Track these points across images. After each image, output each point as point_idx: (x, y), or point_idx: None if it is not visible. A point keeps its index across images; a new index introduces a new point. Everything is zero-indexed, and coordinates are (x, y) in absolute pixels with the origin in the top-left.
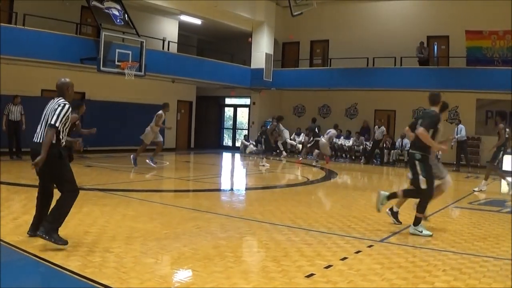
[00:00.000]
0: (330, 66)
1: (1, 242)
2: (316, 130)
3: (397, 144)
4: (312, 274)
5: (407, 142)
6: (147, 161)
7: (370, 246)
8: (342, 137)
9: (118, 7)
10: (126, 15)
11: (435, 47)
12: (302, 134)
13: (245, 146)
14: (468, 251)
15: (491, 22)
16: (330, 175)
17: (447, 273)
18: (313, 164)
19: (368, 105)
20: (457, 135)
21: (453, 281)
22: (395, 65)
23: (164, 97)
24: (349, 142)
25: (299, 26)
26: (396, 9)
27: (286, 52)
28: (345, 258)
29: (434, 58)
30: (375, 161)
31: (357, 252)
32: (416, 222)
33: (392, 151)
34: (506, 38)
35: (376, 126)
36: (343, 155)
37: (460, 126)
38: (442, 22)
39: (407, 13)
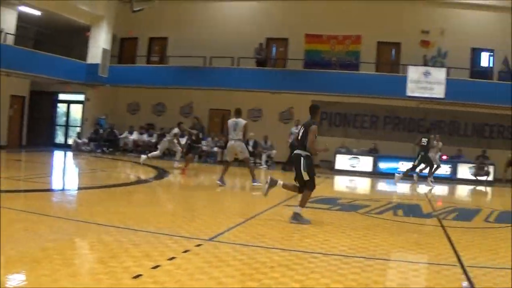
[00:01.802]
0: (168, 64)
1: None
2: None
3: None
4: (139, 275)
5: None
6: None
7: (198, 245)
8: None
9: None
10: None
11: (274, 48)
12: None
13: (77, 144)
14: (297, 248)
15: (331, 26)
16: (162, 174)
17: (275, 270)
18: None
19: (204, 104)
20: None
21: (280, 278)
22: (232, 65)
23: None
24: (183, 141)
25: (139, 22)
26: (237, 10)
27: (124, 48)
28: (173, 258)
29: (272, 59)
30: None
31: (185, 251)
32: (297, 216)
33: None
34: (345, 43)
35: None
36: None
37: (299, 127)
38: (282, 25)
39: (248, 15)
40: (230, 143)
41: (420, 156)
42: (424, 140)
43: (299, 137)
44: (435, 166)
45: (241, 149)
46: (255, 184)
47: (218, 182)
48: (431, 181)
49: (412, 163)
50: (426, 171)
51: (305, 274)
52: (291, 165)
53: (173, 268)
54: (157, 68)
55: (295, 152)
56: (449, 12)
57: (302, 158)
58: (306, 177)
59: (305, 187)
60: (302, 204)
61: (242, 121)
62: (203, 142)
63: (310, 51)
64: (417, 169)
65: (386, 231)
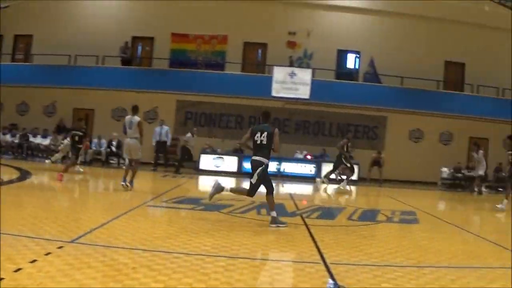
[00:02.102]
0: (32, 62)
1: None
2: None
3: (94, 144)
4: (1, 279)
5: (104, 142)
6: None
7: (60, 247)
8: (39, 136)
9: None
10: None
11: (139, 47)
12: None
13: None
14: (159, 248)
15: (197, 26)
16: (25, 175)
17: (137, 270)
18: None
19: (68, 104)
20: (159, 136)
21: (142, 278)
22: (97, 63)
23: None
24: (46, 141)
25: (4, 19)
26: (102, 8)
27: None
28: (34, 261)
29: (137, 58)
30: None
31: (47, 254)
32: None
33: (89, 150)
34: (211, 43)
35: None
36: (39, 154)
37: (165, 127)
38: (148, 24)
39: (113, 13)
40: (126, 141)
41: (341, 158)
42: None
43: (263, 143)
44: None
45: (135, 149)
46: (123, 184)
47: (122, 183)
48: (324, 181)
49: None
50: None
51: (167, 275)
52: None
53: (35, 271)
54: (21, 66)
55: (257, 158)
56: (315, 14)
57: (264, 166)
58: (254, 180)
59: (251, 191)
60: (272, 207)
61: (137, 119)
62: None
63: (176, 51)
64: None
65: (250, 230)
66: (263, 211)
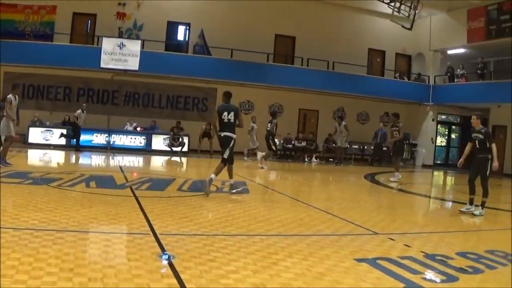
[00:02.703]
0: None
1: None
2: None
3: None
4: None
5: None
6: None
7: None
8: None
9: None
10: None
11: None
12: None
13: None
14: None
15: None
16: None
17: None
18: None
19: None
20: None
21: None
22: None
23: None
24: None
25: None
26: None
27: None
28: None
29: None
30: None
31: None
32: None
33: None
34: (40, 13)
35: None
36: None
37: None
38: None
39: None
40: None
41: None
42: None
43: (230, 120)
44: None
45: (2, 127)
46: None
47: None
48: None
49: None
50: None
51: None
52: None
53: None
54: None
55: (227, 134)
56: None
57: (233, 140)
58: (226, 155)
59: (226, 161)
60: (232, 176)
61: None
62: None
63: (4, 21)
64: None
65: (78, 203)
66: (92, 183)
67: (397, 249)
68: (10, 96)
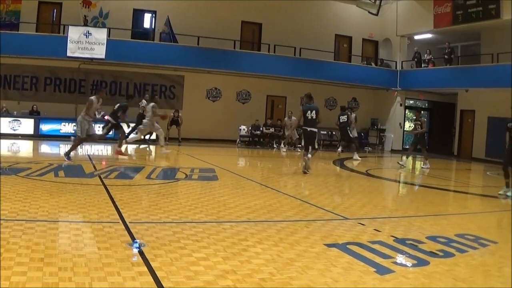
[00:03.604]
0: None
1: None
2: None
3: None
4: None
5: None
6: None
7: None
8: None
9: None
10: None
11: None
12: None
13: None
14: None
15: None
16: None
17: None
18: None
19: None
20: None
21: None
22: None
23: None
24: None
25: None
26: None
27: None
28: None
29: None
30: None
31: None
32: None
33: None
34: (6, 2)
35: None
36: None
37: None
38: None
39: None
40: None
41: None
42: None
43: (313, 118)
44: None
45: (81, 126)
46: None
47: None
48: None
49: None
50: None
51: None
52: None
53: None
54: None
55: (312, 129)
56: None
57: (316, 134)
58: (316, 145)
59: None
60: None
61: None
62: None
63: None
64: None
65: (47, 193)
66: (61, 173)
67: (367, 234)
68: (93, 97)
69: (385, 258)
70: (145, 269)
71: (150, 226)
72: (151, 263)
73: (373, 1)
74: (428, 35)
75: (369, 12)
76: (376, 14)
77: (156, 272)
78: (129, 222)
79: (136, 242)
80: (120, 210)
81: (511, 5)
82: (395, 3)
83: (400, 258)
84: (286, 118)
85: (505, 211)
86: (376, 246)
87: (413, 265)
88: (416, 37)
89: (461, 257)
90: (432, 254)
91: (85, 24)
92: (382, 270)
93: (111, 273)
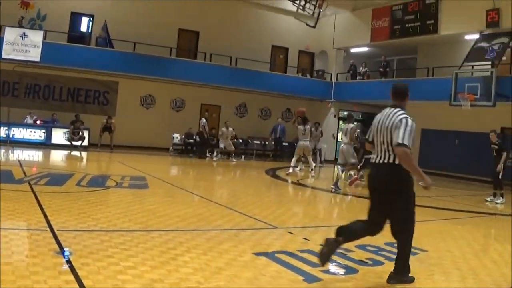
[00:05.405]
0: None
1: None
2: None
3: None
4: None
5: None
6: None
7: None
8: None
9: None
10: None
11: None
12: None
13: None
14: None
15: None
16: None
17: None
18: None
19: None
20: None
21: None
22: None
23: None
24: None
25: None
26: None
27: None
28: None
29: None
30: None
31: None
32: None
33: None
34: None
35: None
36: None
37: None
38: None
39: None
40: None
41: None
42: None
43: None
44: None
45: None
46: None
47: None
48: None
49: None
50: None
51: None
52: None
53: None
54: None
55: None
56: None
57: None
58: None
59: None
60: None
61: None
62: None
63: None
64: None
65: None
66: None
67: (296, 243)
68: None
69: (313, 267)
70: (71, 277)
71: (78, 234)
72: (78, 271)
73: (311, 13)
74: (365, 48)
75: (306, 24)
76: (314, 27)
77: (83, 281)
78: (57, 230)
79: (64, 251)
80: (49, 217)
81: (449, 21)
82: (333, 16)
83: (329, 267)
84: (223, 128)
85: (434, 220)
86: (305, 255)
87: (342, 274)
88: (353, 50)
89: (390, 265)
90: (361, 262)
91: (20, 25)
92: (310, 279)
93: (38, 282)
